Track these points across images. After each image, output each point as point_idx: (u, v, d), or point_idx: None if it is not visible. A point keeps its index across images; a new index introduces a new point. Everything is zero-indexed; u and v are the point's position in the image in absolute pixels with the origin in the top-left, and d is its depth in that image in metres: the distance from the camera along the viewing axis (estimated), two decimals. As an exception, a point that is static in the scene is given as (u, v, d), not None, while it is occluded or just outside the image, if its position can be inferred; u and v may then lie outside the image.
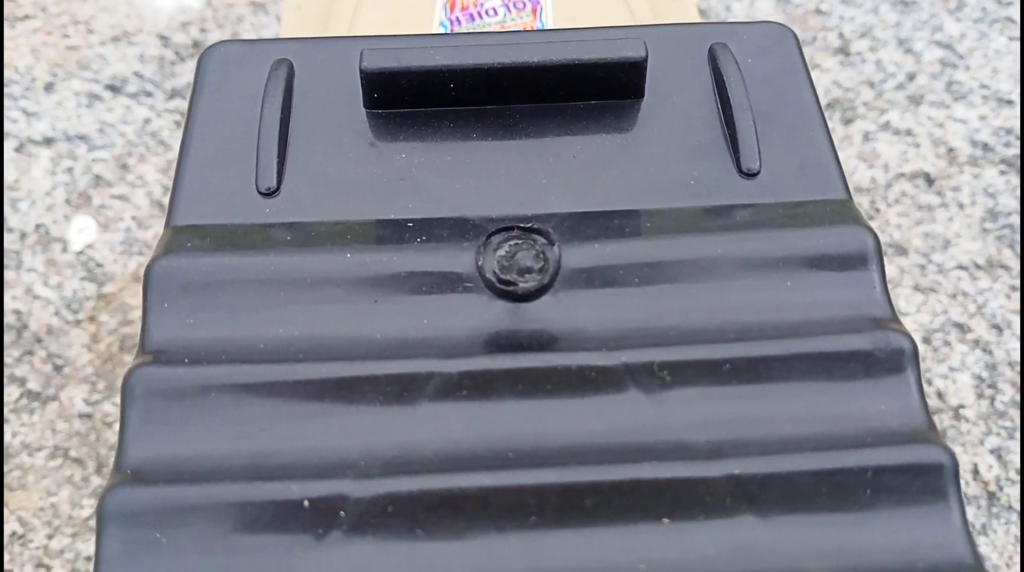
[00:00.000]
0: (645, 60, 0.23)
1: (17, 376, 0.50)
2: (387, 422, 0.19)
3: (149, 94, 0.57)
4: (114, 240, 0.53)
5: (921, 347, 0.50)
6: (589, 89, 0.24)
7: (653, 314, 0.20)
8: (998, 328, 0.52)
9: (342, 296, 0.20)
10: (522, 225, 0.21)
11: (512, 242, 0.21)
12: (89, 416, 0.49)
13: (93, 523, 0.45)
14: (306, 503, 0.17)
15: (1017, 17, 0.63)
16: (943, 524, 0.17)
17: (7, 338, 0.49)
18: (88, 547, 0.45)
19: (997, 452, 0.48)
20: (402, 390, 0.19)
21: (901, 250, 0.54)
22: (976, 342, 0.51)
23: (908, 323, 0.51)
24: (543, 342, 0.20)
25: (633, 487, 0.18)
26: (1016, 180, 0.56)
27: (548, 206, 0.22)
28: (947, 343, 0.51)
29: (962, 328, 0.51)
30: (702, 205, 0.22)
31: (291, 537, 0.17)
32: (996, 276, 0.54)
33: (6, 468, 0.47)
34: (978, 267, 0.54)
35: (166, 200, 0.53)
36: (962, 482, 0.49)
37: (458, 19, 0.33)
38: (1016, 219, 0.55)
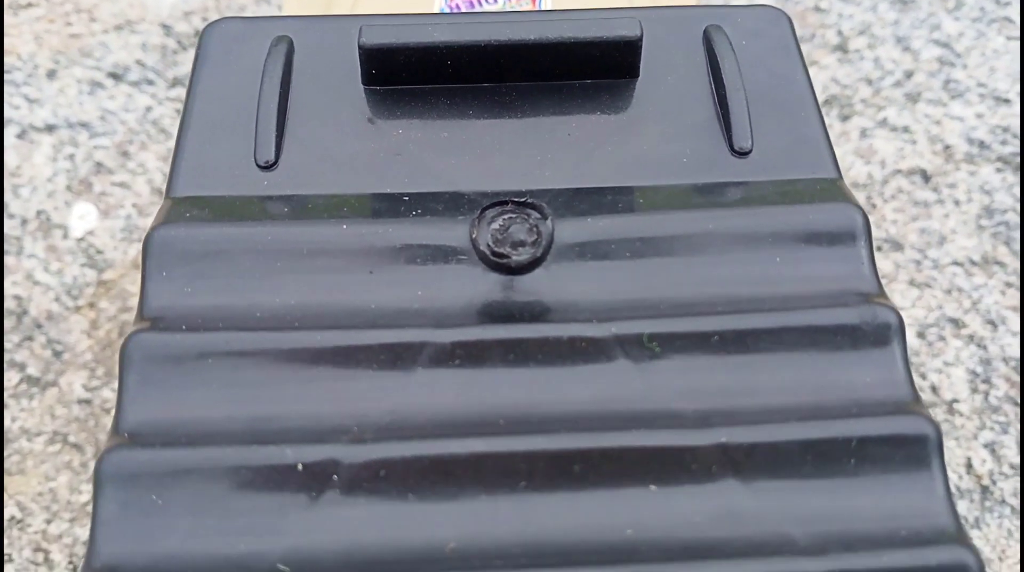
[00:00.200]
0: (640, 39, 0.23)
1: (17, 361, 0.50)
2: (381, 389, 0.19)
3: (151, 82, 0.57)
4: (115, 227, 0.53)
5: (916, 342, 0.50)
6: (585, 68, 0.24)
7: (644, 287, 0.20)
8: (993, 324, 0.52)
9: (338, 266, 0.20)
10: (516, 199, 0.21)
11: (506, 216, 0.21)
12: (88, 402, 0.49)
13: (91, 508, 0.45)
14: (300, 467, 0.18)
15: (1015, 17, 0.64)
16: (926, 493, 0.18)
17: (7, 324, 0.50)
18: (86, 532, 0.46)
19: (991, 446, 0.48)
20: (396, 358, 0.19)
21: (897, 245, 0.54)
22: (971, 337, 0.51)
23: (903, 318, 0.52)
24: (535, 313, 0.20)
25: (621, 454, 0.18)
26: (1012, 178, 0.57)
27: (542, 182, 0.22)
28: (942, 338, 0.51)
29: (957, 323, 0.51)
30: (694, 182, 0.22)
31: (285, 499, 0.17)
32: (991, 272, 0.54)
33: (6, 453, 0.47)
34: (973, 263, 0.54)
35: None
36: (956, 476, 0.49)
37: (458, 6, 0.34)
38: (1012, 216, 0.55)
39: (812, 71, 0.60)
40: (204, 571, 0.17)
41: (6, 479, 0.45)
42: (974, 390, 0.49)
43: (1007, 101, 0.59)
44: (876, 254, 0.55)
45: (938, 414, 0.48)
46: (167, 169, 0.53)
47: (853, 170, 0.56)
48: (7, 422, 0.47)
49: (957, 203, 0.55)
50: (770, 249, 0.21)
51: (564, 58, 0.24)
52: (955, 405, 0.48)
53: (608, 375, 0.19)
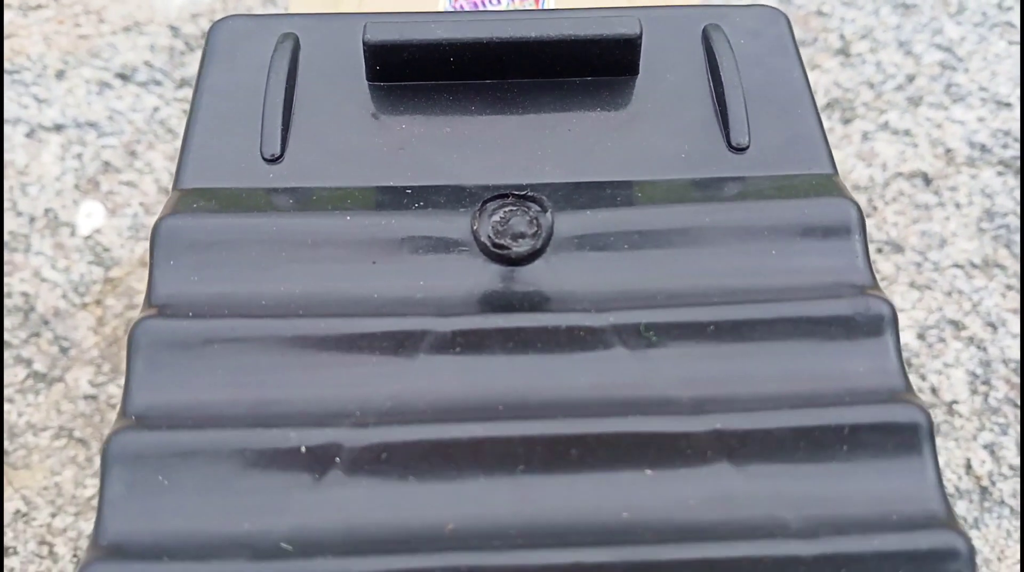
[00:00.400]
0: (639, 37, 0.24)
1: (24, 357, 0.51)
2: (383, 375, 0.19)
3: (158, 83, 0.57)
4: (121, 225, 0.54)
5: (916, 343, 0.50)
6: (585, 65, 0.24)
7: (641, 278, 0.21)
8: (993, 326, 0.52)
9: (342, 256, 0.21)
10: (517, 192, 0.22)
11: (507, 208, 0.21)
12: (94, 397, 0.50)
13: (96, 503, 0.46)
14: (303, 449, 0.18)
15: (1016, 21, 0.64)
16: (917, 479, 0.18)
17: (14, 320, 0.50)
18: (91, 526, 0.46)
19: (990, 448, 0.48)
20: (398, 346, 0.20)
21: (898, 248, 0.54)
22: (971, 339, 0.51)
23: (904, 319, 0.52)
24: (534, 303, 0.20)
25: (618, 439, 0.18)
26: (1013, 181, 0.57)
27: (543, 176, 0.23)
28: (942, 340, 0.51)
29: (957, 325, 0.52)
30: (692, 177, 0.23)
31: (288, 480, 0.18)
32: (992, 275, 0.54)
33: (12, 448, 0.48)
34: (974, 266, 0.54)
35: (173, 186, 0.53)
36: (955, 477, 0.49)
37: (462, 5, 0.34)
38: (1012, 219, 0.55)
39: (814, 75, 0.60)
40: (209, 549, 0.17)
41: (12, 473, 0.46)
42: (974, 392, 0.49)
43: (1008, 105, 0.59)
44: (877, 256, 0.55)
45: (937, 415, 0.48)
46: (174, 168, 0.53)
47: (854, 173, 0.56)
48: (13, 417, 0.47)
49: (958, 206, 0.55)
50: (766, 242, 0.21)
51: (565, 55, 0.24)
52: (955, 406, 0.49)
53: (605, 363, 0.19)
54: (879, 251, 0.54)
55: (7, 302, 0.51)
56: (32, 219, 0.52)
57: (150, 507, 0.17)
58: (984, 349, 0.50)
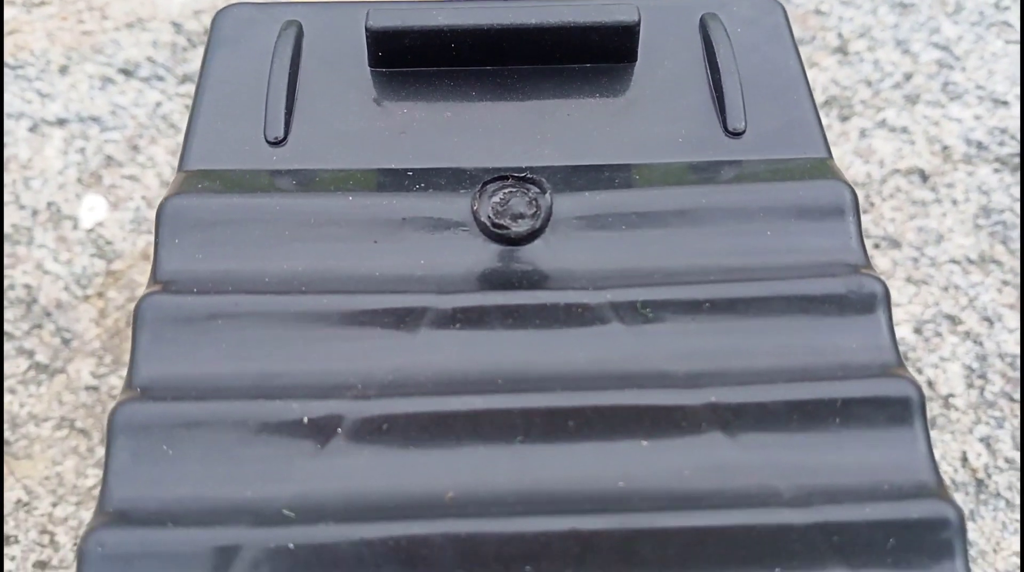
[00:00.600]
0: (637, 24, 0.24)
1: (26, 349, 0.51)
2: (384, 350, 0.20)
3: (161, 78, 0.58)
4: (124, 219, 0.54)
5: (912, 337, 0.51)
6: (584, 52, 0.25)
7: (638, 257, 0.21)
8: (989, 321, 0.52)
9: (344, 235, 0.21)
10: (516, 174, 0.22)
11: (506, 190, 0.22)
12: (96, 389, 0.50)
13: (97, 493, 0.46)
14: (306, 420, 0.18)
15: (1014, 21, 0.65)
16: (908, 450, 0.18)
17: (17, 312, 0.50)
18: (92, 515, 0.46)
19: (986, 440, 0.49)
20: (399, 321, 0.20)
21: (895, 243, 0.55)
22: (967, 334, 0.52)
23: (900, 314, 0.52)
24: (533, 281, 0.21)
25: (614, 411, 0.18)
26: (1010, 178, 0.57)
27: (542, 159, 0.23)
28: (938, 334, 0.52)
29: (953, 320, 0.52)
30: (689, 161, 0.23)
31: (291, 450, 0.18)
32: (988, 271, 0.55)
33: (14, 438, 0.48)
34: (970, 262, 0.55)
35: (175, 179, 0.53)
36: (951, 469, 0.50)
37: None
38: (1009, 216, 0.56)
39: (812, 72, 0.61)
40: (212, 515, 0.17)
41: (14, 463, 0.46)
42: (970, 385, 0.50)
43: (1005, 103, 0.59)
44: (874, 251, 0.55)
45: (934, 408, 0.49)
46: (176, 162, 0.53)
47: (852, 169, 0.57)
48: (15, 408, 0.48)
49: (955, 202, 0.56)
50: (761, 223, 0.22)
51: (564, 42, 0.25)
52: (951, 400, 0.49)
53: (602, 338, 0.20)
54: (876, 246, 0.55)
55: (10, 294, 0.51)
56: (35, 212, 0.53)
57: (154, 475, 0.18)
58: (980, 344, 0.51)
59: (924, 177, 0.56)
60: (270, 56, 0.25)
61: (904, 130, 0.58)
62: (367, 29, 0.24)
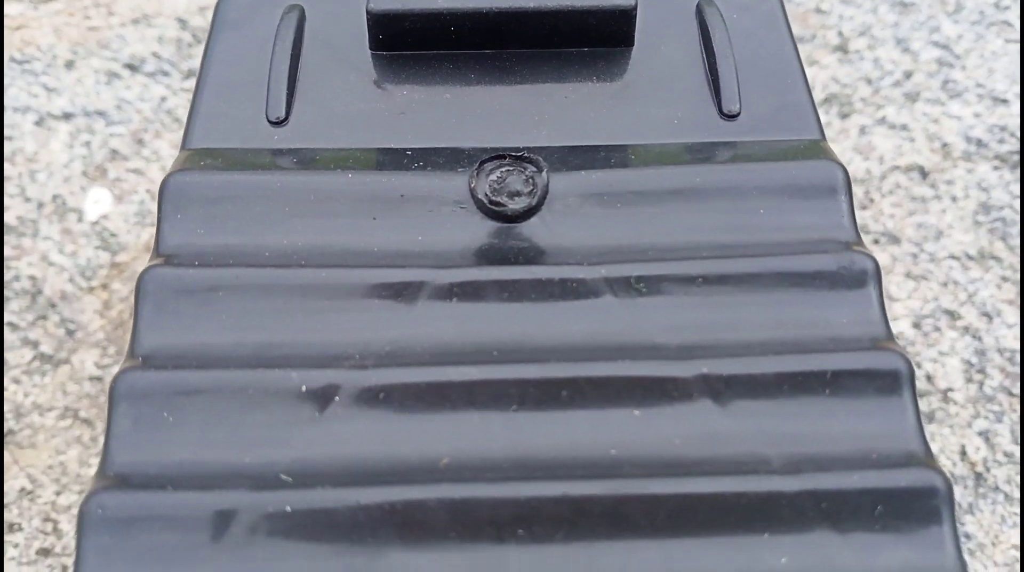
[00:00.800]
0: (634, 8, 0.25)
1: (30, 339, 0.52)
2: (382, 322, 0.20)
3: (166, 73, 0.58)
4: (128, 212, 0.55)
5: (911, 332, 0.51)
6: (582, 36, 0.25)
7: (633, 234, 0.21)
8: (988, 316, 0.53)
9: (343, 212, 0.22)
10: (513, 153, 0.22)
11: (504, 168, 0.22)
12: (99, 379, 0.50)
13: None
14: (304, 388, 0.19)
15: (1014, 20, 0.65)
16: (897, 420, 0.18)
17: (22, 303, 0.51)
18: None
19: (985, 434, 0.49)
20: (396, 295, 0.20)
21: (894, 239, 0.55)
22: (966, 329, 0.52)
23: (899, 308, 0.52)
24: (529, 257, 0.21)
25: (606, 382, 0.19)
26: (1009, 175, 0.57)
27: (539, 140, 0.23)
28: (937, 329, 0.52)
29: (952, 315, 0.52)
30: (684, 142, 0.23)
31: (289, 417, 0.18)
32: (987, 267, 0.55)
33: (18, 427, 0.48)
34: (970, 258, 0.55)
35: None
36: (950, 463, 0.50)
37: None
38: (1008, 213, 0.56)
39: (812, 71, 0.61)
40: (211, 479, 0.18)
41: (18, 452, 0.46)
42: (969, 380, 0.50)
43: (1005, 101, 0.60)
44: (873, 247, 0.55)
45: (933, 402, 0.49)
46: (180, 156, 0.54)
47: (852, 166, 0.57)
48: (19, 398, 0.48)
49: (954, 199, 0.56)
50: (755, 201, 0.22)
51: (562, 26, 0.25)
52: (950, 394, 0.49)
53: (596, 311, 0.20)
54: (875, 242, 0.55)
55: (15, 285, 0.51)
56: (40, 205, 0.53)
57: (155, 441, 0.18)
58: (979, 338, 0.51)
59: (924, 174, 0.57)
60: (272, 39, 0.25)
61: (904, 127, 0.59)
62: (368, 12, 0.24)
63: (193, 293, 0.20)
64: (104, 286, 0.51)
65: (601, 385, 0.19)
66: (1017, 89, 0.61)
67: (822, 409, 0.19)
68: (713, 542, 0.17)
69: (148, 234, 0.52)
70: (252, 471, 0.18)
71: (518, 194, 0.22)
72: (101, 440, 0.47)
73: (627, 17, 0.25)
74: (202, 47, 0.59)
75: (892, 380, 0.19)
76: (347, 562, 0.17)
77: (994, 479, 0.47)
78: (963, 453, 0.48)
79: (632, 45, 0.26)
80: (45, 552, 0.44)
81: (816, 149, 0.23)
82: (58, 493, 0.46)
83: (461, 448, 0.18)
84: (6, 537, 0.44)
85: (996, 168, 0.58)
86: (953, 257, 0.54)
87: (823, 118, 0.61)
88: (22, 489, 0.46)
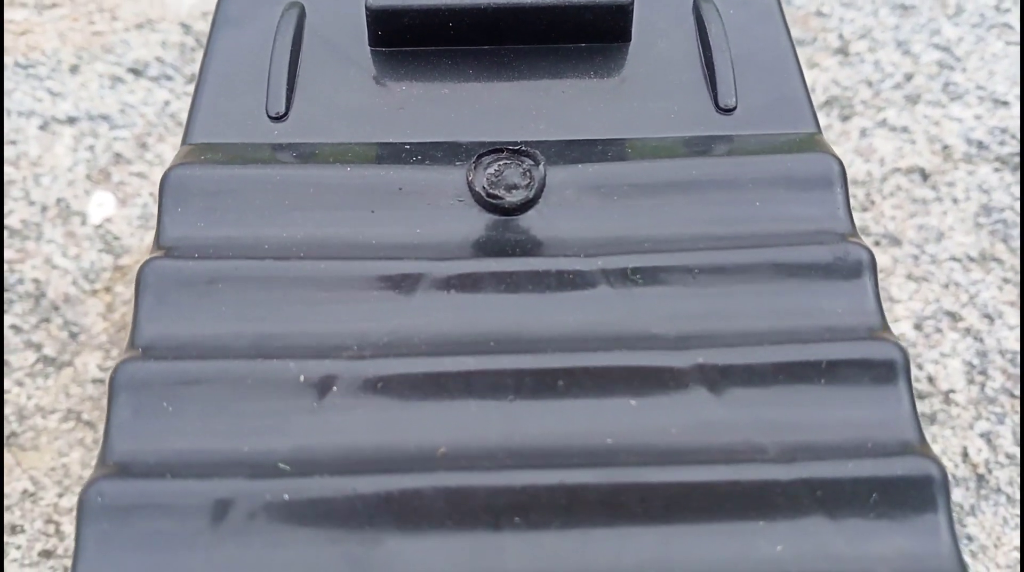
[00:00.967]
0: (631, 4, 0.25)
1: (34, 342, 0.52)
2: (380, 313, 0.20)
3: (169, 78, 0.59)
4: (131, 215, 0.55)
5: (912, 333, 0.51)
6: (579, 32, 0.25)
7: (630, 226, 0.22)
8: (989, 317, 0.52)
9: (342, 204, 0.22)
10: (511, 147, 0.22)
11: (501, 162, 0.22)
12: (102, 381, 0.51)
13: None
14: (302, 378, 0.19)
15: (1014, 23, 0.65)
16: (893, 410, 0.19)
17: (25, 306, 0.51)
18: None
19: (986, 436, 0.49)
20: (395, 287, 0.20)
21: (895, 241, 0.55)
22: (967, 330, 0.52)
23: (900, 310, 0.52)
24: (526, 249, 0.21)
25: (603, 372, 0.19)
26: (1010, 177, 0.57)
27: (537, 134, 0.24)
28: (939, 330, 0.52)
29: (954, 316, 0.52)
30: (681, 135, 0.24)
31: (287, 407, 0.18)
32: (989, 268, 0.55)
33: (21, 429, 0.49)
34: (971, 259, 0.55)
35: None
36: (951, 464, 0.50)
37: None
38: (1009, 214, 0.56)
39: (813, 73, 0.61)
40: (210, 468, 0.18)
41: (21, 454, 0.46)
42: (970, 381, 0.50)
43: (1006, 103, 0.60)
44: (874, 249, 0.55)
45: (934, 404, 0.49)
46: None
47: (852, 168, 0.57)
48: (23, 400, 0.48)
49: (955, 201, 0.56)
50: (751, 193, 0.22)
51: (560, 22, 0.25)
52: (951, 395, 0.49)
53: (593, 302, 0.20)
54: (877, 244, 0.55)
55: (19, 288, 0.52)
56: (44, 208, 0.53)
57: (154, 430, 0.18)
58: (981, 340, 0.51)
59: (925, 176, 0.57)
60: (272, 35, 0.25)
61: (905, 129, 0.59)
62: (367, 9, 0.25)
63: (193, 285, 0.20)
64: (107, 289, 0.51)
65: (597, 375, 0.19)
66: (1018, 91, 0.61)
67: (817, 398, 0.19)
68: (708, 529, 0.17)
69: (151, 237, 0.52)
70: (250, 460, 0.18)
71: (515, 187, 0.22)
72: (103, 441, 0.47)
73: (624, 13, 0.25)
74: (205, 51, 0.59)
75: (887, 369, 0.19)
76: (344, 549, 0.17)
77: (996, 481, 0.47)
78: (965, 455, 0.48)
79: (629, 41, 0.26)
80: (47, 554, 0.45)
81: (812, 142, 0.23)
82: (60, 495, 0.46)
83: (458, 437, 0.18)
84: (9, 539, 0.45)
85: (997, 170, 0.58)
86: (954, 259, 0.54)
87: (824, 121, 0.61)
88: (24, 491, 0.46)
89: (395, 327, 0.20)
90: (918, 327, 0.51)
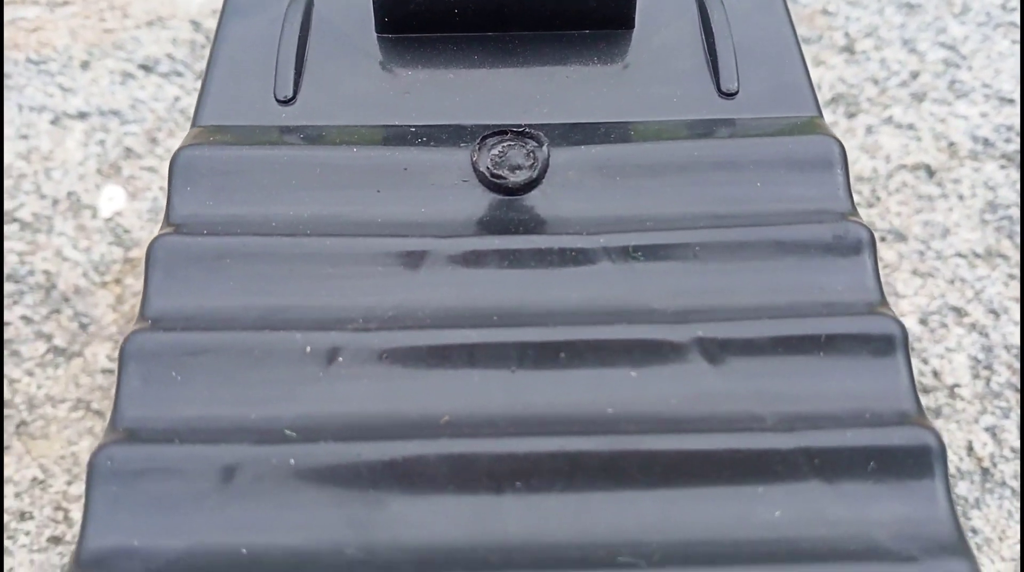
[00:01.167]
0: (634, -9, 0.25)
1: (44, 333, 0.52)
2: (385, 288, 0.20)
3: (180, 74, 0.59)
4: (141, 209, 0.55)
5: (918, 328, 0.51)
6: (583, 18, 0.26)
7: (632, 206, 0.22)
8: (995, 313, 0.53)
9: (348, 184, 0.22)
10: (515, 129, 0.23)
11: (505, 143, 0.23)
12: (112, 372, 0.51)
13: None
14: (308, 349, 0.19)
15: (1020, 22, 0.65)
16: (891, 381, 0.19)
17: (36, 297, 0.52)
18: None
19: (992, 430, 0.49)
20: (400, 263, 0.21)
21: (901, 237, 0.55)
22: (973, 325, 0.52)
23: (905, 305, 0.52)
24: (529, 227, 0.21)
25: (604, 344, 0.19)
26: (1016, 174, 0.58)
27: (541, 118, 0.24)
28: (944, 325, 0.52)
29: (959, 312, 0.52)
30: (683, 119, 0.24)
31: (293, 377, 0.19)
32: (994, 264, 0.55)
33: (31, 418, 0.49)
34: (976, 255, 0.55)
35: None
36: (956, 458, 0.50)
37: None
38: (1015, 211, 0.56)
39: (819, 71, 0.61)
40: (217, 434, 0.18)
41: (31, 443, 0.47)
42: (976, 376, 0.50)
43: (1011, 101, 0.60)
44: (880, 245, 0.56)
45: (939, 398, 0.49)
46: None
47: (858, 164, 0.57)
48: (33, 389, 0.49)
49: (961, 198, 0.56)
50: (752, 174, 0.22)
51: (564, 8, 0.26)
52: (956, 390, 0.49)
53: (594, 278, 0.20)
54: (882, 240, 0.55)
55: (29, 280, 0.52)
56: (55, 202, 0.54)
57: (163, 398, 0.18)
58: (986, 335, 0.51)
59: (930, 172, 0.57)
60: (281, 22, 0.26)
61: (911, 127, 0.59)
62: (374, -6, 0.25)
63: (201, 260, 0.20)
64: (117, 281, 0.51)
65: (598, 347, 0.19)
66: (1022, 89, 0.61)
67: (816, 370, 0.19)
68: (707, 494, 0.18)
69: (161, 230, 0.53)
70: (257, 426, 0.18)
71: (519, 167, 0.22)
72: (113, 431, 0.48)
73: (627, 0, 0.25)
74: (215, 48, 0.60)
75: (886, 343, 0.19)
76: (349, 512, 0.17)
77: (1001, 475, 0.47)
78: (970, 449, 0.48)
79: (632, 27, 0.26)
80: (56, 540, 0.45)
81: (812, 125, 0.23)
82: (69, 483, 0.46)
83: (461, 406, 0.18)
84: (18, 525, 0.45)
85: (1003, 167, 0.58)
86: (960, 255, 0.54)
87: (830, 118, 0.61)
88: (34, 479, 0.46)
89: (400, 301, 0.20)
90: (923, 322, 0.52)
